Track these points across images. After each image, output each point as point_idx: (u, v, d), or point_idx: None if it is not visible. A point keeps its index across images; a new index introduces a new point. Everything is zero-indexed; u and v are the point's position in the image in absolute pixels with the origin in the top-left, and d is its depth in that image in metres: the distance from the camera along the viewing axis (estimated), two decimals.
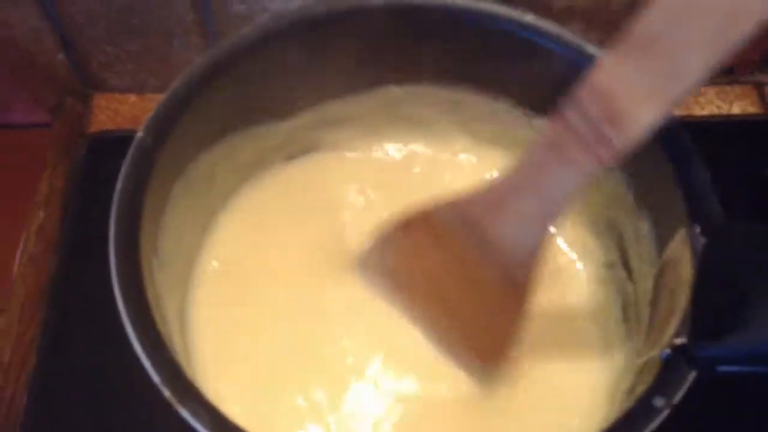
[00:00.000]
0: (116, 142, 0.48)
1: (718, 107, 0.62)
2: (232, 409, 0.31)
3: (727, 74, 0.63)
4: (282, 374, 0.41)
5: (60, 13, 0.55)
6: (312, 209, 0.46)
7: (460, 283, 0.39)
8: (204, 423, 0.29)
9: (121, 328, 0.33)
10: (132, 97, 0.61)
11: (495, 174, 0.48)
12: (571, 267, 0.45)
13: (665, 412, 0.29)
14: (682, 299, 0.31)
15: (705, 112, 0.62)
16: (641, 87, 0.29)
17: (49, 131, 0.60)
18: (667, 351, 0.31)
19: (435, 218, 0.38)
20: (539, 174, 0.34)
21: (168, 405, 0.41)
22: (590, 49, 0.39)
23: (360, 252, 0.42)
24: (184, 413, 0.30)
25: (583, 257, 0.45)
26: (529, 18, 0.40)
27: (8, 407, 0.47)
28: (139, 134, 0.36)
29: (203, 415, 0.30)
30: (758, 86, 0.64)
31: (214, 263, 0.44)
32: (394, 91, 0.46)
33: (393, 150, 0.49)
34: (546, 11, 0.55)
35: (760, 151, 0.58)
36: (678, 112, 0.61)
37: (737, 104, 0.63)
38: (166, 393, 0.30)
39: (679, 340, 0.30)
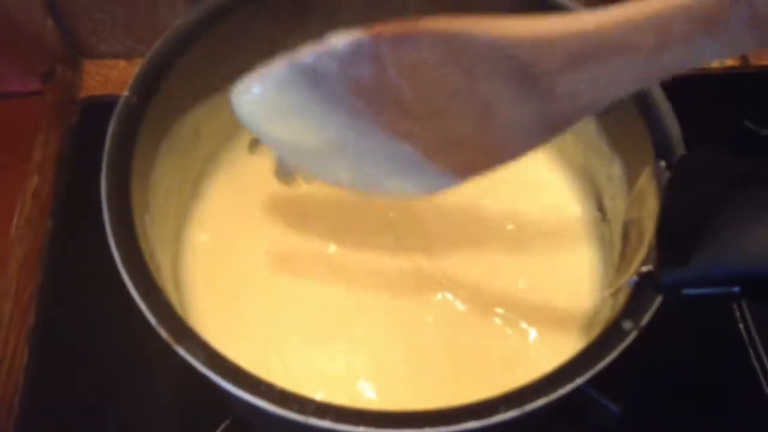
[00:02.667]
0: (107, 107, 0.49)
1: None
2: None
3: None
4: (274, 326, 0.42)
5: None
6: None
7: (471, 113, 0.32)
8: (200, 359, 0.30)
9: (115, 283, 0.35)
10: (121, 63, 0.62)
11: None
12: (549, 210, 0.46)
13: (633, 334, 0.31)
14: (649, 231, 0.33)
15: None
16: None
17: (40, 99, 0.61)
18: (635, 278, 0.32)
19: (462, 45, 0.29)
20: (666, 41, 0.27)
21: (164, 352, 0.43)
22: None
23: (311, 58, 0.33)
24: (181, 351, 0.31)
25: (561, 203, 0.46)
26: None
27: (10, 363, 0.48)
28: (125, 93, 0.37)
29: (199, 353, 0.31)
30: None
31: (203, 235, 0.45)
32: None
33: None
34: None
35: (739, 104, 0.59)
36: None
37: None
38: (163, 334, 0.31)
39: (645, 268, 0.32)
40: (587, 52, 0.28)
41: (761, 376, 0.47)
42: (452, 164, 0.34)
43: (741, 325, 0.48)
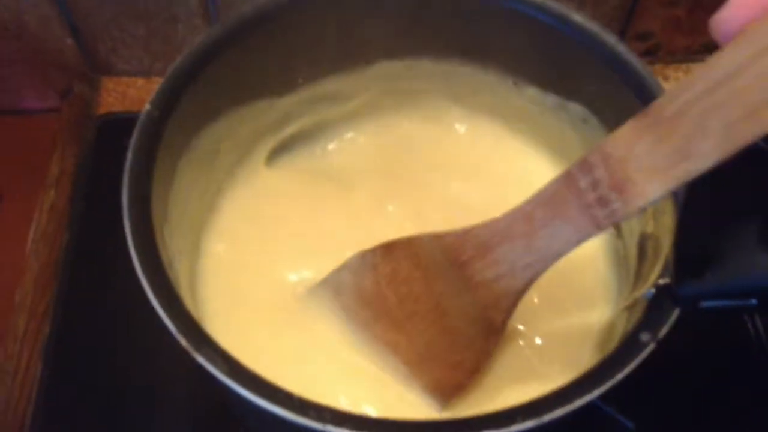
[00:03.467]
0: (124, 124, 0.50)
1: None
2: None
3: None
4: (289, 338, 0.42)
5: (68, 0, 0.57)
6: (311, 190, 0.48)
7: (432, 314, 0.39)
8: (219, 367, 0.31)
9: (130, 298, 0.35)
10: (139, 81, 0.63)
11: (489, 144, 0.50)
12: None
13: (651, 346, 0.31)
14: (666, 244, 0.33)
15: None
16: (653, 161, 0.28)
17: (58, 115, 0.61)
18: (652, 291, 0.33)
19: (419, 247, 0.39)
20: (533, 225, 0.34)
21: (178, 365, 0.43)
22: (575, 17, 0.41)
23: (335, 274, 0.42)
24: (201, 359, 0.31)
25: None
26: None
27: (24, 375, 0.49)
28: (147, 107, 0.38)
29: (218, 361, 0.31)
30: None
31: (221, 247, 0.45)
32: (388, 66, 0.47)
33: (390, 124, 0.51)
34: None
35: None
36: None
37: None
38: (183, 342, 0.31)
39: (663, 281, 0.32)
40: (486, 240, 0.36)
41: None
42: (428, 380, 0.39)
43: (756, 342, 0.48)
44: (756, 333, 0.48)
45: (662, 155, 0.28)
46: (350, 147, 0.50)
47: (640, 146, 0.29)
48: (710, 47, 0.27)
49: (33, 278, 0.53)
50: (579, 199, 0.31)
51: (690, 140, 0.27)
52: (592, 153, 0.30)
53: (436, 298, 0.39)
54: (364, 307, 0.40)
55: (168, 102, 0.39)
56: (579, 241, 0.33)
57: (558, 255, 0.34)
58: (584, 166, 0.31)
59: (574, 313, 0.42)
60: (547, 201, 0.33)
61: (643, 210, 0.30)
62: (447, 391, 0.39)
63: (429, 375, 0.39)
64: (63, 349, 0.49)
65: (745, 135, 0.26)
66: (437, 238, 0.38)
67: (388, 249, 0.40)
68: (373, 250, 0.40)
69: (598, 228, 0.32)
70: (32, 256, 0.54)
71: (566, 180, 0.32)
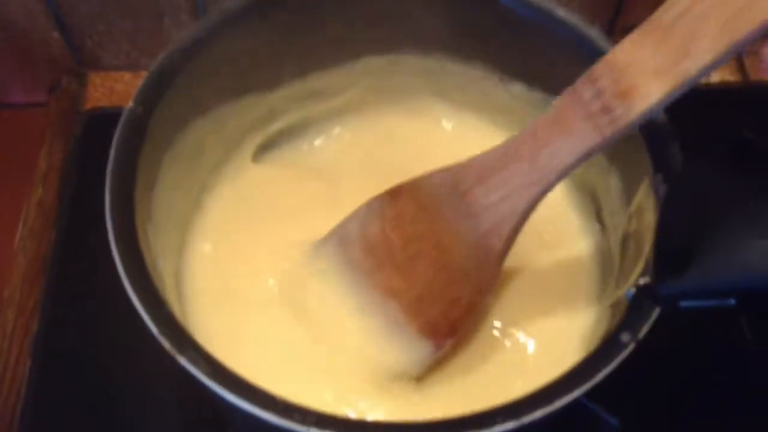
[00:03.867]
0: (111, 119, 0.50)
1: None
2: None
3: None
4: (276, 336, 0.42)
5: None
6: (298, 187, 0.48)
7: (434, 251, 0.40)
8: (203, 370, 0.31)
9: (118, 294, 0.35)
10: (126, 75, 0.63)
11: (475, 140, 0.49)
12: (548, 223, 0.46)
13: (631, 346, 0.31)
14: (647, 243, 0.33)
15: None
16: (654, 63, 0.30)
17: (46, 110, 0.61)
18: (632, 290, 0.33)
19: (424, 185, 0.39)
20: (537, 143, 0.34)
21: (165, 364, 0.43)
22: (560, 13, 0.41)
23: (342, 225, 0.43)
24: (183, 361, 0.31)
25: (560, 213, 0.46)
26: None
27: (13, 372, 0.49)
28: (130, 104, 0.38)
29: (201, 363, 0.31)
30: (737, 56, 0.65)
31: (207, 245, 0.45)
32: (374, 62, 0.47)
33: (376, 120, 0.51)
34: None
35: (739, 118, 0.59)
36: None
37: (716, 73, 0.64)
38: (166, 344, 0.31)
39: (643, 280, 0.32)
40: (489, 166, 0.36)
41: (761, 389, 0.47)
42: (423, 324, 0.40)
43: (740, 339, 0.48)
44: (740, 329, 0.48)
45: (663, 56, 0.30)
46: (337, 143, 0.50)
47: (642, 52, 0.30)
48: None
49: (21, 274, 0.53)
50: (583, 110, 0.32)
51: (689, 40, 0.29)
52: (597, 65, 0.32)
53: (439, 235, 0.39)
54: (368, 255, 0.41)
55: (151, 98, 0.38)
56: (582, 154, 0.33)
57: (561, 171, 0.34)
58: (589, 78, 0.32)
59: (560, 311, 0.43)
60: (551, 119, 0.34)
61: (645, 116, 0.31)
62: (442, 332, 0.40)
63: (425, 317, 0.40)
64: (52, 346, 0.49)
65: (740, 30, 0.28)
66: (443, 171, 0.38)
67: (395, 193, 0.41)
68: (381, 197, 0.41)
69: (603, 137, 0.32)
70: (20, 252, 0.54)
71: (570, 95, 0.33)
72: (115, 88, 0.62)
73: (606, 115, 0.32)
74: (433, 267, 0.40)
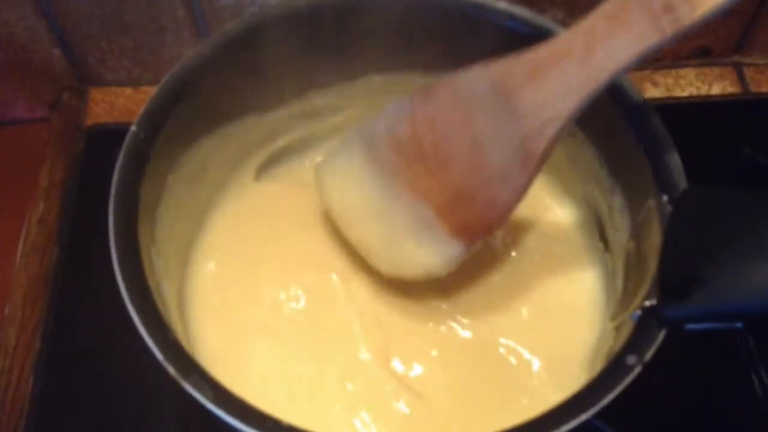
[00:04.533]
0: (113, 134, 0.50)
1: (698, 88, 0.64)
2: None
3: (706, 56, 0.65)
4: (279, 355, 0.42)
5: (56, 11, 0.56)
6: (300, 204, 0.48)
7: (470, 150, 0.38)
8: (207, 395, 0.31)
9: (121, 312, 0.35)
10: (127, 90, 0.63)
11: None
12: (552, 242, 0.46)
13: (637, 369, 0.31)
14: (652, 265, 0.33)
15: (685, 93, 0.63)
16: None
17: (47, 126, 0.61)
18: (638, 313, 0.33)
19: (461, 83, 0.37)
20: (592, 40, 0.33)
21: (169, 383, 0.43)
22: (559, 30, 0.41)
23: (368, 124, 0.42)
24: (188, 387, 0.31)
25: (563, 232, 0.47)
26: (502, 5, 0.42)
27: (15, 389, 0.49)
28: (133, 128, 0.38)
29: (206, 389, 0.31)
30: (736, 67, 0.65)
31: (210, 265, 0.45)
32: (376, 80, 0.47)
33: None
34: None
35: (739, 131, 0.59)
36: (657, 93, 0.63)
37: (716, 85, 0.64)
38: (171, 370, 0.31)
39: (649, 302, 0.32)
40: (539, 63, 0.34)
41: (766, 410, 0.47)
42: (456, 223, 0.39)
43: (746, 360, 0.48)
44: (747, 351, 0.48)
45: None
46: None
47: None
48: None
49: (23, 292, 0.53)
50: (644, 8, 0.31)
51: None
52: None
53: (475, 134, 0.37)
54: (398, 155, 0.40)
55: (154, 122, 0.39)
56: (638, 54, 0.32)
57: (615, 70, 0.33)
58: None
59: (564, 329, 0.43)
60: (608, 17, 0.32)
61: (706, 18, 0.30)
62: (476, 233, 0.39)
63: (458, 218, 0.39)
64: (54, 363, 0.49)
65: None
66: (484, 68, 0.36)
67: (428, 91, 0.39)
68: (411, 96, 0.39)
69: (662, 36, 0.31)
70: (21, 269, 0.54)
71: None
72: (116, 104, 0.62)
73: (668, 14, 0.31)
74: (468, 169, 0.38)
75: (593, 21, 0.33)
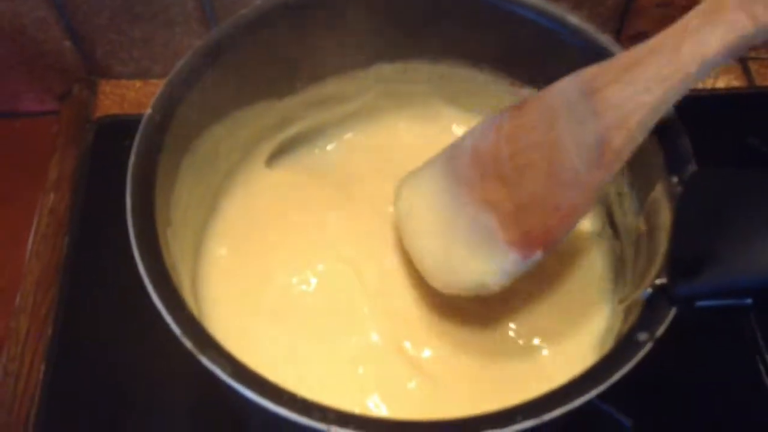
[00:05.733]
0: (122, 126, 0.51)
1: (704, 81, 0.65)
2: None
3: None
4: (289, 337, 0.42)
5: (66, 3, 0.57)
6: (311, 191, 0.48)
7: (546, 154, 0.37)
8: (224, 369, 0.31)
9: (130, 297, 0.35)
10: (137, 83, 0.63)
11: None
12: None
13: (648, 346, 0.31)
14: (662, 244, 0.34)
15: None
16: None
17: (57, 118, 0.62)
18: (648, 291, 0.33)
19: (552, 93, 0.37)
20: (684, 34, 0.32)
21: (182, 367, 0.44)
22: (572, 19, 0.41)
23: (459, 141, 0.42)
24: (205, 361, 0.31)
25: None
26: None
27: (27, 375, 0.49)
28: (148, 111, 0.38)
29: (223, 363, 0.31)
30: (742, 61, 0.66)
31: (222, 249, 0.45)
32: (386, 69, 0.48)
33: (387, 125, 0.51)
34: None
35: (744, 123, 0.60)
36: None
37: (722, 78, 0.65)
38: (188, 344, 0.32)
39: (659, 281, 0.33)
40: (630, 61, 0.34)
41: None
42: (517, 234, 0.38)
43: (753, 343, 0.48)
44: (752, 332, 0.48)
45: None
46: (349, 148, 0.51)
47: None
48: None
49: (34, 281, 0.53)
50: (731, 3, 0.31)
51: None
52: None
53: (554, 140, 0.37)
54: (474, 167, 0.40)
55: (169, 106, 0.39)
56: (729, 41, 0.31)
57: (704, 61, 0.32)
58: None
59: (574, 314, 0.43)
60: (705, 9, 0.32)
61: None
62: (534, 241, 0.38)
63: (520, 227, 0.38)
64: (65, 351, 0.50)
65: None
66: (575, 75, 0.36)
67: (520, 106, 0.39)
68: (503, 112, 0.39)
69: (756, 25, 0.31)
70: (33, 259, 0.54)
71: None
72: (126, 96, 0.63)
73: (761, 4, 0.30)
74: (542, 175, 0.37)
75: (687, 18, 0.32)
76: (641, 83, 0.33)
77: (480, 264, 0.39)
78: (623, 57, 0.34)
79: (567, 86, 0.36)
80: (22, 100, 0.65)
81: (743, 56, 0.66)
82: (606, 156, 0.35)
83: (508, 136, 0.38)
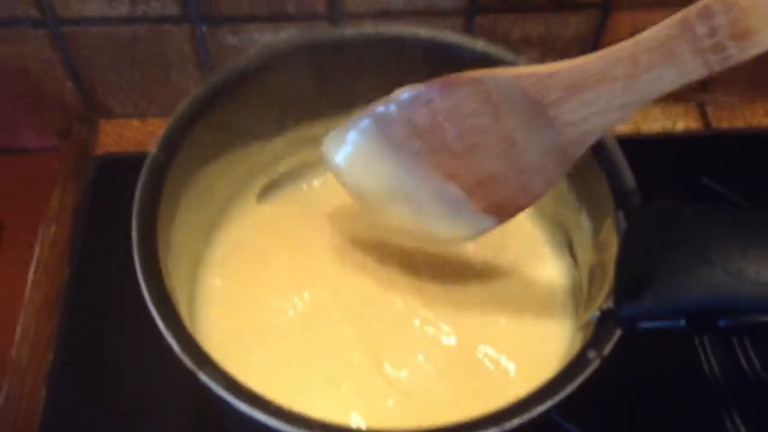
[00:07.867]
0: (121, 164, 0.54)
1: (663, 124, 0.69)
2: None
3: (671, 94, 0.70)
4: (280, 367, 0.45)
5: (69, 46, 0.61)
6: (300, 224, 0.52)
7: (501, 144, 0.39)
8: (220, 384, 0.34)
9: (128, 326, 0.37)
10: (135, 122, 0.67)
11: None
12: (527, 257, 0.51)
13: (597, 362, 0.35)
14: (610, 273, 0.38)
15: (652, 128, 0.68)
16: None
17: (57, 155, 0.65)
18: (597, 314, 0.37)
19: (490, 85, 0.38)
20: (636, 68, 0.33)
21: (179, 393, 0.46)
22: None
23: (379, 107, 0.42)
24: (202, 376, 0.35)
25: (536, 248, 0.51)
26: (480, 44, 0.47)
27: (28, 401, 0.52)
28: (153, 151, 0.42)
29: (218, 377, 0.35)
30: (699, 105, 0.71)
31: (217, 280, 0.49)
32: None
33: None
34: (504, 40, 0.62)
35: (700, 164, 0.64)
36: (626, 129, 0.68)
37: (681, 121, 0.69)
38: (187, 361, 0.35)
39: (606, 305, 0.37)
40: (577, 82, 0.35)
41: (721, 404, 0.51)
42: (487, 203, 0.41)
43: (702, 357, 0.53)
44: (704, 350, 0.53)
45: None
46: (334, 183, 0.54)
47: None
48: None
49: (35, 310, 0.56)
50: (694, 44, 0.32)
51: None
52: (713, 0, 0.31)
53: (506, 131, 0.38)
54: (417, 140, 0.41)
55: (172, 147, 0.43)
56: (683, 82, 0.33)
57: (658, 95, 0.34)
58: (704, 13, 0.31)
59: (538, 336, 0.47)
60: (656, 46, 0.33)
61: (755, 55, 0.31)
62: (507, 212, 0.41)
63: (489, 198, 0.41)
64: (66, 380, 0.52)
65: None
66: (514, 79, 0.37)
67: (447, 85, 0.39)
68: (425, 87, 0.40)
69: (708, 70, 0.32)
70: (34, 289, 0.57)
71: (681, 26, 0.32)
72: (125, 135, 0.66)
73: (717, 53, 0.31)
74: (499, 159, 0.39)
75: (637, 49, 0.33)
76: (596, 106, 0.35)
77: (458, 227, 0.42)
78: (566, 74, 0.35)
79: (506, 85, 0.37)
80: (22, 137, 0.68)
81: (700, 101, 0.71)
82: (566, 161, 0.38)
83: (446, 115, 0.39)
